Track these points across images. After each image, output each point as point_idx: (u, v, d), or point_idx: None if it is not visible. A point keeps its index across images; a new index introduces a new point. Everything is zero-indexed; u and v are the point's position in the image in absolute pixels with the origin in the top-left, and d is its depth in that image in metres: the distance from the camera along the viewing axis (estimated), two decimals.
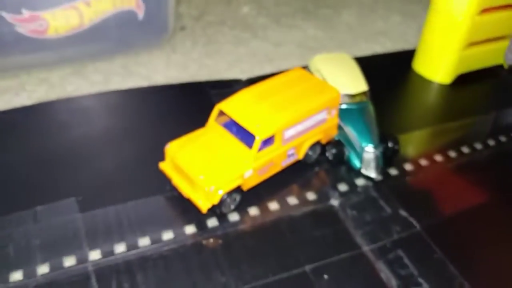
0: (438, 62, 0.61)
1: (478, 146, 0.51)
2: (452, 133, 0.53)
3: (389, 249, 0.38)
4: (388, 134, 0.47)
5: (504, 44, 0.63)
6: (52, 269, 0.35)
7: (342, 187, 0.44)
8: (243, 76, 0.60)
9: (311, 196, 0.43)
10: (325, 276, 0.36)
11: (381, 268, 0.37)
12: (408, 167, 0.47)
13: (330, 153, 0.46)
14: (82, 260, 0.36)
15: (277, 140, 0.41)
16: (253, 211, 0.41)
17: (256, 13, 0.78)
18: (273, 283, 0.35)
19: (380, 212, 0.41)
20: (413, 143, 0.51)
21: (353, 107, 0.47)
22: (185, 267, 0.36)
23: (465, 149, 0.50)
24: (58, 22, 0.55)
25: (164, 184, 0.42)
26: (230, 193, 0.39)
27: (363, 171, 0.45)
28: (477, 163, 0.49)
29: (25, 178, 0.43)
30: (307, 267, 0.36)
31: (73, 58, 0.60)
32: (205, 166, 0.39)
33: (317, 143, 0.45)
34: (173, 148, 0.41)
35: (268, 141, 0.40)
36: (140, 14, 0.60)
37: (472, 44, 0.60)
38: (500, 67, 0.65)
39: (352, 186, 0.44)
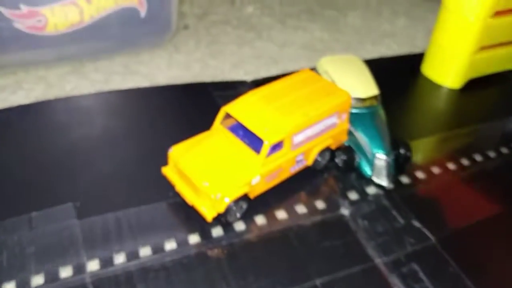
0: (448, 66, 0.59)
1: (491, 154, 0.49)
2: (463, 140, 0.52)
3: (403, 262, 0.36)
4: (400, 140, 0.45)
5: None
6: (47, 280, 0.33)
7: (352, 195, 0.42)
8: (248, 77, 0.59)
9: (320, 204, 0.41)
10: None
11: (394, 282, 0.35)
12: (420, 175, 0.45)
13: (339, 160, 0.44)
14: (79, 270, 0.34)
15: (286, 145, 0.39)
16: (260, 220, 0.39)
17: (260, 13, 0.76)
18: None
19: (393, 222, 0.40)
20: (424, 150, 0.49)
21: (364, 111, 0.46)
22: (188, 279, 0.34)
23: (478, 157, 0.48)
24: (57, 18, 0.54)
25: (167, 190, 0.40)
26: (236, 201, 0.37)
27: (374, 179, 0.43)
28: (491, 172, 0.47)
29: (20, 182, 0.41)
30: (318, 281, 0.34)
31: (73, 56, 0.59)
32: (211, 172, 0.37)
33: (327, 148, 0.43)
34: (176, 152, 0.39)
35: (276, 146, 0.38)
36: (143, 12, 0.58)
37: (484, 48, 0.59)
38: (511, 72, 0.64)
39: (363, 194, 0.42)
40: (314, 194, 0.42)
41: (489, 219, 0.42)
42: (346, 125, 0.44)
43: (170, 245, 0.36)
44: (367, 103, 0.46)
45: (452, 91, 0.60)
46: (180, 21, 0.69)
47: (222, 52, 0.64)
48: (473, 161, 0.48)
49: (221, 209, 0.36)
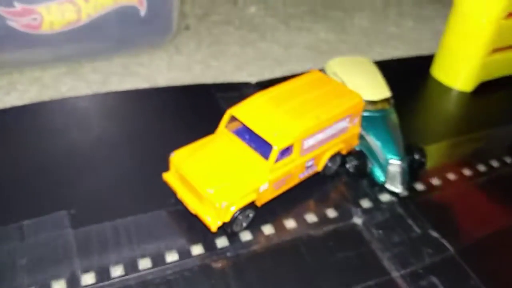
0: (459, 68, 0.58)
1: (508, 159, 0.47)
2: (477, 145, 0.49)
3: (421, 275, 0.34)
4: (414, 145, 0.43)
5: None
6: None
7: (365, 203, 0.40)
8: (251, 79, 0.56)
9: (331, 213, 0.38)
10: None
11: None
12: (435, 181, 0.43)
13: (351, 165, 0.42)
14: (74, 284, 0.31)
15: (296, 150, 0.37)
16: (268, 229, 0.37)
17: (263, 13, 0.74)
18: None
19: (409, 232, 0.37)
20: (437, 155, 0.47)
21: (376, 114, 0.43)
22: None
23: (494, 163, 0.46)
24: (53, 16, 0.51)
25: (168, 197, 0.38)
26: (243, 210, 0.34)
27: (388, 185, 0.41)
28: (508, 178, 0.45)
29: (11, 188, 0.38)
30: None
31: (69, 56, 0.56)
32: (215, 179, 0.35)
33: (337, 153, 0.41)
34: (178, 157, 0.37)
35: (285, 151, 0.36)
36: (143, 11, 0.56)
37: (496, 50, 0.57)
38: None
39: (376, 202, 0.40)
40: (324, 201, 0.40)
41: (510, 227, 0.40)
42: (358, 129, 0.42)
43: (171, 256, 0.34)
44: (379, 106, 0.44)
45: (463, 94, 0.58)
46: (181, 21, 0.67)
47: (224, 53, 0.62)
48: (489, 166, 0.46)
49: (227, 218, 0.34)
